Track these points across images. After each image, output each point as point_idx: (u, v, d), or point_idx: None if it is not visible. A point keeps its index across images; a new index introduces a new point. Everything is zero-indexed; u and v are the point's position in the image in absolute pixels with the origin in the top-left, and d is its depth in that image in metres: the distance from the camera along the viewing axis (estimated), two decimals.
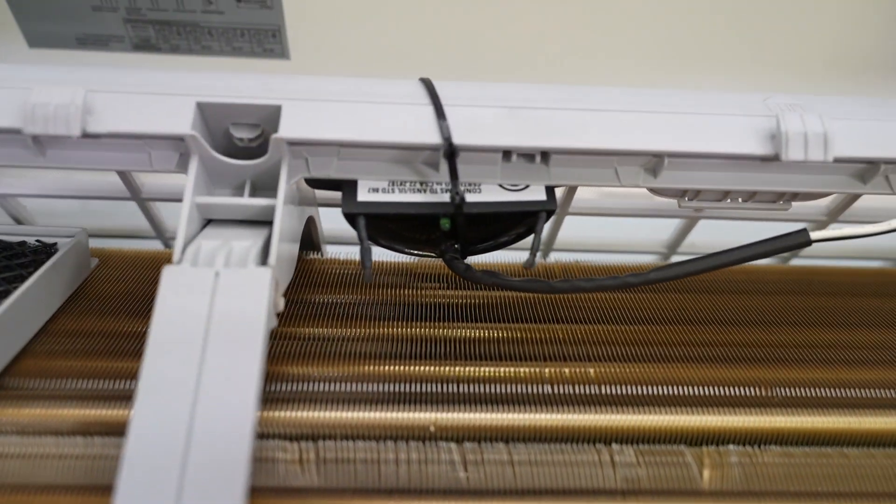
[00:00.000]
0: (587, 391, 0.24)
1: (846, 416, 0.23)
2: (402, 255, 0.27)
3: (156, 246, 0.35)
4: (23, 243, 0.28)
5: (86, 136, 0.23)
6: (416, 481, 0.21)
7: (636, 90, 0.26)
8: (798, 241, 0.24)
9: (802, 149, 0.23)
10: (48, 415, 0.22)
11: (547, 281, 0.25)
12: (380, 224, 0.25)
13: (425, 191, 0.24)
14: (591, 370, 0.25)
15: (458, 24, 0.37)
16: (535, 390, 0.24)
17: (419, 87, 0.24)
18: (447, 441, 0.22)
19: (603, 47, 0.38)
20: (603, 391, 0.24)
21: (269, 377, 0.24)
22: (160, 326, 0.20)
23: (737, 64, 0.39)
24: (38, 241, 0.28)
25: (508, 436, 0.22)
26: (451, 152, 0.23)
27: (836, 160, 0.24)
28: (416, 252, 0.27)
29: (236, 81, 0.24)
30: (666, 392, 0.24)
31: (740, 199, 0.27)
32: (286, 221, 0.23)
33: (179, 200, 0.23)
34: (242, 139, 0.24)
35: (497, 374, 0.25)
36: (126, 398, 0.22)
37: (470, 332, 0.27)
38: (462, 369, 0.24)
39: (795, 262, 0.38)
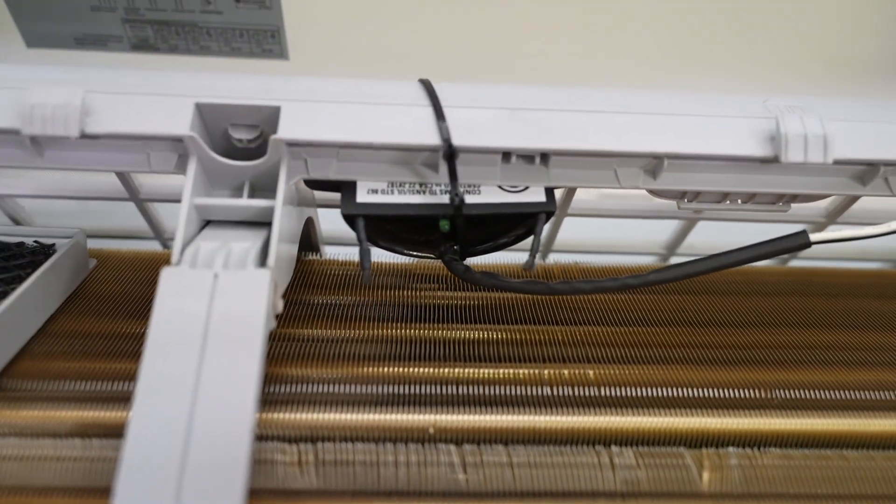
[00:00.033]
0: (586, 393, 0.24)
1: (846, 418, 0.23)
2: (401, 256, 0.27)
3: (154, 247, 0.35)
4: (21, 244, 0.28)
5: (84, 136, 0.23)
6: (415, 483, 0.21)
7: (636, 91, 0.26)
8: (797, 243, 0.24)
9: (802, 150, 0.23)
10: (46, 416, 0.22)
11: (546, 282, 0.24)
12: (379, 225, 0.25)
13: (424, 192, 0.24)
14: (591, 372, 0.25)
15: (458, 25, 0.37)
16: (534, 392, 0.24)
17: (418, 88, 0.24)
18: (446, 443, 0.22)
19: (603, 47, 0.38)
20: (602, 393, 0.24)
21: (268, 379, 0.24)
22: (159, 328, 0.20)
23: (737, 65, 0.39)
24: (36, 241, 0.28)
25: (508, 438, 0.22)
26: (450, 153, 0.23)
27: (836, 162, 0.24)
28: (415, 253, 0.27)
29: (235, 82, 0.24)
30: (665, 394, 0.24)
31: (740, 201, 0.27)
32: (285, 223, 0.23)
33: (178, 201, 0.23)
34: (241, 140, 0.24)
35: (496, 375, 0.25)
36: (125, 400, 0.22)
37: (469, 334, 0.27)
38: (461, 371, 0.24)
39: (795, 263, 0.38)
